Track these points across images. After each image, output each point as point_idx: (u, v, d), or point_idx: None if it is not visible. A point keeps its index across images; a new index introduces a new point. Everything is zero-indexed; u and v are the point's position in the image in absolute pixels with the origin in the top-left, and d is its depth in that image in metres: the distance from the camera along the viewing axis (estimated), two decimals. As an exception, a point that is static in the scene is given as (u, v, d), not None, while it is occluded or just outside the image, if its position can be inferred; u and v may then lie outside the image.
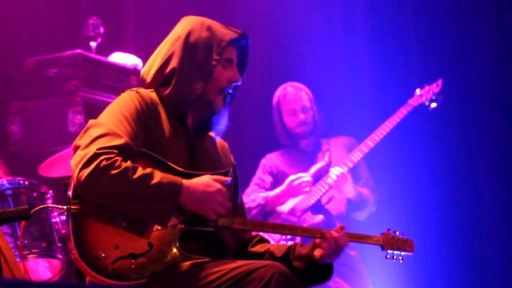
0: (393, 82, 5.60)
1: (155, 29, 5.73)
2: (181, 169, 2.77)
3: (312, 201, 4.85)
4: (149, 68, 2.93)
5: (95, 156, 2.61)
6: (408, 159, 5.56)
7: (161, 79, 2.89)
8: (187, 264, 2.69)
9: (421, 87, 5.08)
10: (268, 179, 5.03)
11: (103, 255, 2.62)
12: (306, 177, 4.85)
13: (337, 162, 4.90)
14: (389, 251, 2.98)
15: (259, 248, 2.96)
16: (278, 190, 4.90)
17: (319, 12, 5.91)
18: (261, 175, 5.06)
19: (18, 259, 3.00)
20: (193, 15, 3.01)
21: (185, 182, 2.69)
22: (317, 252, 2.84)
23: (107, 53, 5.30)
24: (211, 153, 2.96)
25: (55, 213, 3.96)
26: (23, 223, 3.10)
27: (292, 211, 4.86)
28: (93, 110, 4.83)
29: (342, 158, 4.90)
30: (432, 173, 5.56)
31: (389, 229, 3.01)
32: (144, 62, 5.37)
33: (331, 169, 4.86)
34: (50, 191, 3.98)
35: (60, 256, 3.87)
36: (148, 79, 2.92)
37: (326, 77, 5.60)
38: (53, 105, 4.96)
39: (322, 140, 5.08)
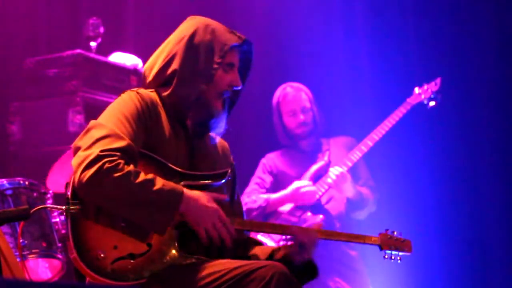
0: (393, 81, 5.60)
1: (155, 29, 5.74)
2: (181, 170, 2.77)
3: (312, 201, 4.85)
4: (151, 67, 2.93)
5: (98, 158, 2.61)
6: (407, 158, 5.56)
7: (162, 80, 2.89)
8: (186, 264, 2.69)
9: (420, 85, 5.09)
10: (268, 179, 5.03)
11: (102, 255, 2.62)
12: (311, 186, 4.83)
13: (337, 161, 4.90)
14: (387, 251, 2.99)
15: (252, 251, 2.97)
16: (281, 194, 4.89)
17: (319, 12, 5.92)
18: (261, 174, 5.06)
19: (18, 259, 3.00)
20: (193, 15, 3.01)
21: (186, 192, 2.69)
22: (289, 250, 2.87)
23: (107, 53, 5.30)
24: (210, 153, 2.96)
25: (55, 213, 3.96)
26: (22, 223, 3.10)
27: (292, 212, 4.86)
28: (93, 110, 4.84)
29: (342, 158, 4.90)
30: (431, 172, 5.57)
31: (387, 229, 3.02)
32: (144, 62, 5.36)
33: (331, 169, 4.86)
34: (50, 191, 3.98)
35: (60, 256, 3.87)
36: (150, 78, 2.92)
37: (326, 77, 5.61)
38: (53, 105, 4.96)
39: (322, 140, 5.08)
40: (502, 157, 5.54)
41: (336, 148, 5.03)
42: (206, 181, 2.83)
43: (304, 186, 4.82)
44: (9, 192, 3.81)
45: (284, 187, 4.98)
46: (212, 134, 2.98)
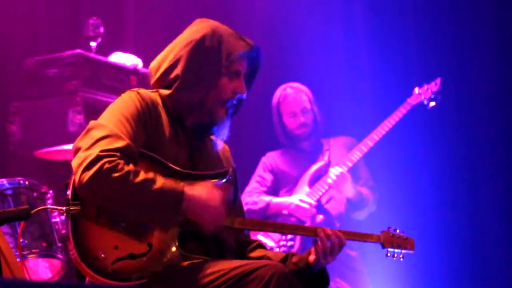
0: (393, 81, 5.60)
1: (155, 29, 5.74)
2: (181, 170, 2.77)
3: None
4: (157, 67, 2.91)
5: (97, 159, 2.61)
6: (407, 158, 5.56)
7: (165, 82, 2.88)
8: (187, 264, 2.69)
9: (420, 86, 5.09)
10: (269, 177, 5.03)
11: (102, 255, 2.62)
12: (313, 203, 4.82)
13: (337, 162, 4.90)
14: (389, 249, 2.96)
15: (257, 253, 2.96)
16: (283, 200, 4.88)
17: (319, 12, 5.91)
18: (261, 173, 5.06)
19: (18, 259, 3.00)
20: (193, 15, 3.00)
21: (187, 190, 2.68)
22: (311, 257, 2.83)
23: (107, 53, 5.30)
24: (211, 154, 2.95)
25: (55, 213, 3.96)
26: (22, 223, 3.10)
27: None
28: (93, 110, 4.84)
29: (342, 158, 4.90)
30: (431, 172, 5.57)
31: (389, 227, 3.00)
32: (144, 62, 5.41)
33: (331, 169, 4.85)
34: (50, 191, 3.98)
35: (60, 256, 3.87)
36: (154, 78, 2.91)
37: (325, 77, 5.60)
38: (53, 105, 4.96)
39: (322, 140, 5.08)
40: (502, 157, 5.54)
41: (336, 148, 5.03)
42: (207, 181, 2.82)
43: (305, 202, 4.81)
44: (9, 192, 3.81)
45: (284, 186, 4.98)
46: (212, 137, 2.97)
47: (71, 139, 4.70)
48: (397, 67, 5.67)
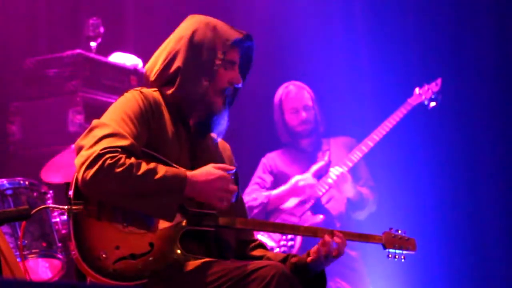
0: (393, 81, 5.60)
1: (155, 29, 5.73)
2: (182, 169, 2.77)
3: (312, 201, 4.85)
4: (152, 66, 2.92)
5: (99, 156, 2.61)
6: (407, 158, 5.56)
7: (165, 79, 2.88)
8: (188, 264, 2.69)
9: (420, 86, 5.08)
10: (269, 179, 5.03)
11: (104, 255, 2.62)
12: (311, 178, 4.84)
13: (337, 162, 4.90)
14: (391, 250, 2.95)
15: (257, 253, 2.96)
16: (281, 189, 4.90)
17: (319, 12, 5.91)
18: (261, 174, 5.06)
19: (18, 259, 3.00)
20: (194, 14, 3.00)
21: (190, 174, 2.70)
22: (309, 258, 2.82)
23: (107, 53, 5.30)
24: (212, 153, 2.95)
25: (55, 213, 3.96)
26: (23, 223, 3.10)
27: (293, 210, 4.86)
28: (93, 110, 4.85)
29: (342, 158, 4.90)
30: (431, 172, 5.56)
31: (391, 228, 2.99)
32: (144, 62, 5.39)
33: (331, 169, 4.86)
34: (50, 191, 3.98)
35: (60, 256, 3.87)
36: (152, 78, 2.91)
37: (325, 77, 5.60)
38: (53, 105, 4.97)
39: (322, 140, 5.08)
40: (502, 157, 5.54)
41: (336, 148, 5.03)
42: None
43: (303, 179, 4.82)
44: (9, 192, 3.81)
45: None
46: (214, 135, 2.97)
47: (71, 139, 4.71)
48: (397, 67, 5.67)
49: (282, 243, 4.73)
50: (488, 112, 5.57)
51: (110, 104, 2.87)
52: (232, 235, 2.90)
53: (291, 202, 4.87)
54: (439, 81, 5.09)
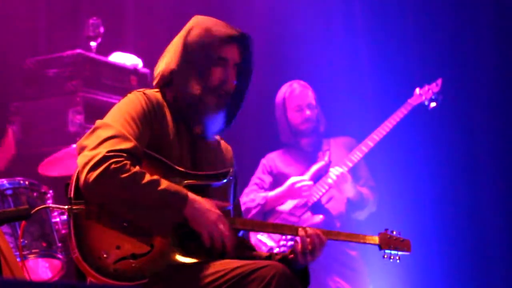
0: (393, 82, 5.60)
1: (155, 29, 5.74)
2: (183, 170, 2.77)
3: (312, 201, 4.85)
4: (157, 68, 2.95)
5: (104, 159, 2.61)
6: (407, 159, 5.56)
7: (164, 81, 2.89)
8: (188, 264, 2.69)
9: (421, 86, 5.08)
10: (268, 179, 5.03)
11: (104, 255, 2.62)
12: (307, 180, 4.84)
13: (337, 162, 4.90)
14: (386, 251, 2.98)
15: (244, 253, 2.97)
16: (278, 190, 4.90)
17: (319, 12, 5.91)
18: (260, 175, 5.06)
19: (18, 259, 3.00)
20: (193, 15, 3.00)
21: (191, 195, 2.69)
22: (290, 255, 2.84)
23: (107, 53, 5.30)
24: (214, 154, 2.96)
25: (55, 213, 3.96)
26: (23, 223, 3.10)
27: (292, 211, 4.86)
28: (93, 110, 4.85)
29: (342, 158, 4.90)
30: (431, 173, 5.56)
31: (386, 229, 3.02)
32: (144, 62, 5.40)
33: (331, 169, 4.86)
34: (50, 191, 3.98)
35: (60, 256, 3.87)
36: (155, 81, 2.93)
37: (326, 77, 5.60)
38: (53, 105, 4.97)
39: (323, 140, 5.08)
40: (502, 158, 5.54)
41: (336, 148, 5.03)
42: (208, 181, 2.83)
43: (300, 181, 4.83)
44: (9, 192, 3.82)
45: (284, 186, 4.98)
46: (217, 137, 2.98)
47: (71, 139, 4.71)
48: (397, 67, 5.67)
49: (281, 243, 4.73)
50: (488, 112, 5.57)
51: (110, 104, 2.88)
52: None
53: (288, 205, 4.87)
54: (439, 81, 5.09)
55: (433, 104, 5.06)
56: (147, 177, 2.64)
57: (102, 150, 2.63)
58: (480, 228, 5.50)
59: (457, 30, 5.70)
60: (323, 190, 4.85)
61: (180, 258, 2.69)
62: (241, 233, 2.97)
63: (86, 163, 2.62)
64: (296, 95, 5.02)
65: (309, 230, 2.83)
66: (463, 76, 5.62)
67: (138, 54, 5.41)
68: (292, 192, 4.83)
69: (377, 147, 4.88)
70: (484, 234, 5.49)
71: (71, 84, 4.94)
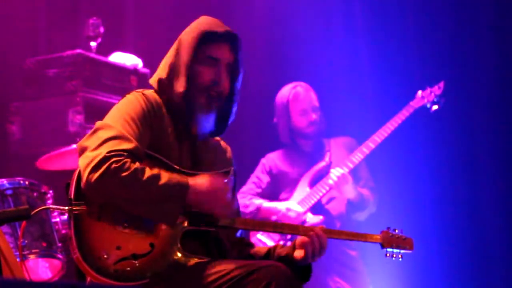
0: (393, 81, 5.59)
1: (155, 29, 5.74)
2: (184, 170, 2.77)
3: (313, 202, 4.85)
4: (158, 69, 2.95)
5: (105, 159, 2.62)
6: (407, 159, 5.56)
7: (162, 82, 2.89)
8: (188, 264, 2.69)
9: (423, 89, 5.07)
10: (265, 179, 5.03)
11: (105, 255, 2.62)
12: (299, 210, 4.82)
13: (337, 162, 4.89)
14: (388, 250, 2.98)
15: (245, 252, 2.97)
16: (273, 205, 4.88)
17: (319, 13, 5.91)
18: (259, 174, 5.06)
19: (18, 259, 3.00)
20: (193, 15, 3.00)
21: (191, 181, 2.70)
22: (298, 253, 2.84)
23: (107, 53, 5.30)
24: (213, 155, 2.96)
25: (55, 213, 3.96)
26: (23, 223, 3.10)
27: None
28: (93, 110, 4.85)
29: (343, 159, 4.89)
30: (431, 173, 5.56)
31: (388, 227, 3.01)
32: (144, 62, 5.40)
33: (332, 170, 4.85)
34: (50, 191, 3.98)
35: (60, 256, 3.87)
36: (155, 83, 2.92)
37: (327, 78, 5.60)
38: (53, 105, 4.97)
39: (323, 140, 5.08)
40: (502, 158, 5.53)
41: (337, 148, 5.03)
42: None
43: (294, 211, 4.81)
44: (9, 192, 3.81)
45: (284, 187, 4.97)
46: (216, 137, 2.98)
47: (71, 139, 4.71)
48: (398, 69, 5.66)
49: (281, 242, 4.72)
50: (488, 112, 5.57)
51: (110, 104, 2.89)
52: (225, 236, 2.90)
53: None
54: (441, 84, 5.06)
55: (435, 107, 5.04)
56: (148, 172, 2.65)
57: (103, 151, 2.63)
58: (480, 228, 5.50)
59: (457, 30, 5.69)
60: (324, 191, 4.85)
61: (181, 259, 2.69)
62: (239, 233, 2.98)
63: (88, 164, 2.62)
64: (301, 99, 4.99)
65: (319, 230, 2.84)
66: (463, 76, 5.62)
67: (138, 54, 5.41)
68: (283, 216, 4.82)
69: (378, 148, 4.88)
70: (484, 234, 5.49)
71: (71, 84, 4.94)
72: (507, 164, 5.51)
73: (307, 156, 5.03)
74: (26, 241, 3.74)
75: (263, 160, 5.10)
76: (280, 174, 5.02)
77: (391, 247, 2.98)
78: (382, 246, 2.98)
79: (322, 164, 4.94)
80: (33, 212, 2.67)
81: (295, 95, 5.01)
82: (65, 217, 3.80)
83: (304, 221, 4.77)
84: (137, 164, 2.66)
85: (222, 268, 2.64)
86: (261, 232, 4.81)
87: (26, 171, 4.36)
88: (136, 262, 2.64)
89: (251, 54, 2.98)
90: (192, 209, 2.73)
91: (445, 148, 5.57)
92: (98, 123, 2.74)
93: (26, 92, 5.08)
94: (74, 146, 4.39)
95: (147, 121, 2.78)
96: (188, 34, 2.88)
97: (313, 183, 4.90)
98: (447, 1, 5.75)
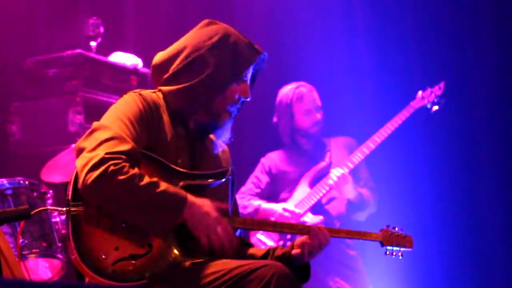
0: (395, 83, 5.59)
1: (155, 29, 5.73)
2: (182, 170, 2.77)
3: (313, 202, 4.85)
4: (167, 63, 2.88)
5: (103, 161, 2.61)
6: (407, 159, 5.56)
7: (178, 80, 2.84)
8: (187, 264, 2.69)
9: (423, 89, 5.06)
10: (265, 179, 5.03)
11: (103, 256, 2.62)
12: (295, 212, 4.81)
13: (338, 162, 4.89)
14: (388, 248, 2.97)
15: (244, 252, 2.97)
16: (271, 206, 4.88)
17: (319, 13, 5.91)
18: (258, 174, 5.06)
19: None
20: (193, 15, 3.00)
21: (190, 197, 2.69)
22: (296, 251, 2.85)
23: (107, 53, 5.30)
24: (211, 155, 2.96)
25: (55, 213, 3.96)
26: (22, 223, 3.10)
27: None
28: (93, 110, 4.85)
29: (343, 159, 4.90)
30: (431, 173, 5.56)
31: (388, 225, 3.01)
32: (144, 62, 5.40)
33: (332, 170, 4.85)
34: (50, 191, 3.98)
35: (60, 256, 3.87)
36: (166, 74, 2.86)
37: (327, 78, 5.60)
38: (53, 105, 4.97)
39: (323, 140, 5.08)
40: (502, 158, 5.53)
41: (337, 148, 5.03)
42: (207, 180, 2.82)
43: (290, 211, 4.80)
44: (9, 192, 3.81)
45: (285, 187, 4.97)
46: (212, 136, 2.97)
47: (71, 139, 4.71)
48: (399, 69, 5.66)
49: (281, 242, 4.73)
50: (488, 113, 5.57)
51: (110, 104, 2.87)
52: None
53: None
54: (442, 84, 5.06)
55: (435, 108, 5.04)
56: (146, 179, 2.64)
57: (101, 152, 2.62)
58: (480, 228, 5.50)
59: (457, 30, 5.69)
60: (324, 191, 4.85)
61: (179, 258, 2.69)
62: (238, 232, 2.97)
63: (85, 165, 2.62)
64: (305, 99, 4.98)
65: (319, 228, 2.85)
66: (463, 76, 5.62)
67: (138, 54, 5.41)
68: (279, 217, 4.82)
69: (377, 147, 4.88)
70: (484, 234, 5.49)
71: (71, 84, 4.95)
72: (507, 164, 5.51)
73: (307, 156, 5.03)
74: (26, 241, 3.74)
75: (263, 160, 5.09)
76: (280, 173, 5.02)
77: (391, 245, 2.97)
78: (382, 244, 2.98)
79: (322, 164, 4.94)
80: (32, 213, 2.67)
81: (299, 95, 4.99)
82: (65, 217, 3.80)
83: (302, 222, 4.77)
84: (136, 170, 2.64)
85: (221, 268, 2.63)
86: (261, 232, 4.81)
87: (26, 171, 4.36)
88: (135, 262, 2.64)
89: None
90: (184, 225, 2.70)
91: (445, 148, 5.57)
92: (95, 124, 2.74)
93: (26, 92, 5.08)
94: (74, 146, 4.39)
95: (144, 121, 2.77)
96: (229, 60, 2.83)
97: (313, 183, 4.90)
98: (447, 1, 5.75)
